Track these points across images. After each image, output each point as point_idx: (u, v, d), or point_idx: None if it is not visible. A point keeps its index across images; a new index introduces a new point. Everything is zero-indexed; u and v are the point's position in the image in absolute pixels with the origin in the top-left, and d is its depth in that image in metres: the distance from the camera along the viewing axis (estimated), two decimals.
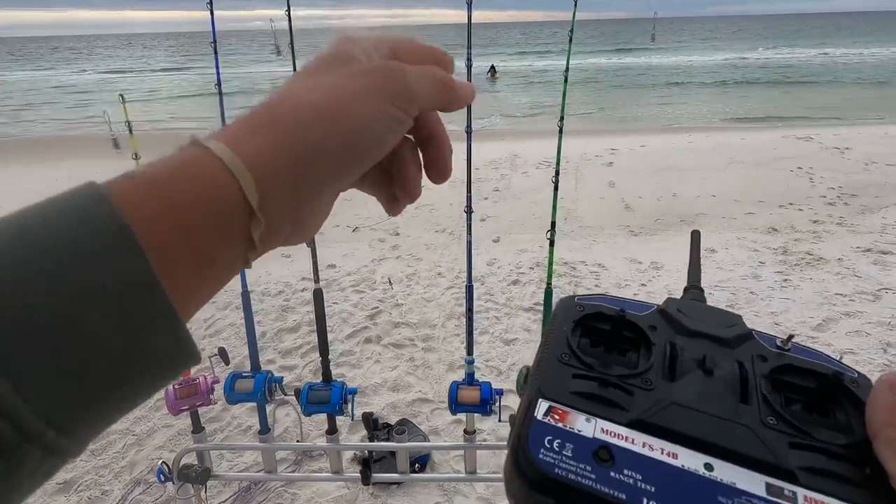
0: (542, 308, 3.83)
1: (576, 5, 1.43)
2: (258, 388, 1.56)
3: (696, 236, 0.48)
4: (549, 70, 24.32)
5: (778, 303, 3.77)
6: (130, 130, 1.54)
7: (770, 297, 3.86)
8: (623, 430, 0.26)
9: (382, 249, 4.99)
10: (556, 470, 0.24)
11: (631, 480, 0.24)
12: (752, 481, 0.24)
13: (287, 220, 0.29)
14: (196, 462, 1.72)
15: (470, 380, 1.50)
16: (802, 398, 0.28)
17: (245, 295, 1.63)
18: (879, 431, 0.24)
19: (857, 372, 0.30)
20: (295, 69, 1.64)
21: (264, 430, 1.75)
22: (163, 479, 1.62)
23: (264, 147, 0.27)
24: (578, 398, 0.27)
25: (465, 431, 1.59)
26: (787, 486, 0.23)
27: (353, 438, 2.65)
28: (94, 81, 25.43)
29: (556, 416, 0.26)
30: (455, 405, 1.45)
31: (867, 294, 3.82)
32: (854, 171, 6.79)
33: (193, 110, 15.97)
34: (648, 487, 0.23)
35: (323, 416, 1.65)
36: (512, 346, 3.39)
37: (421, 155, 0.37)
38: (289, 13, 1.45)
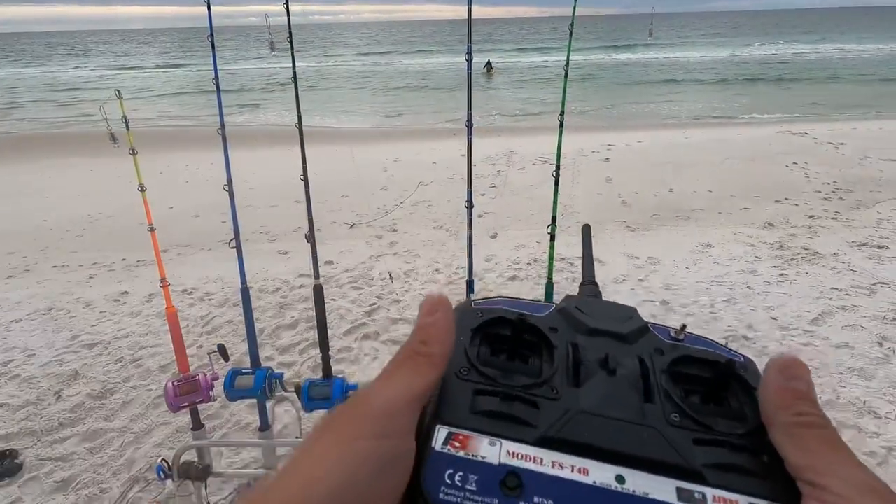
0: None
1: (576, 0, 1.43)
2: (258, 384, 1.56)
3: (586, 231, 0.47)
4: (545, 66, 24.30)
5: (774, 297, 3.79)
6: (127, 126, 1.53)
7: (766, 291, 3.88)
8: (531, 451, 0.24)
9: (380, 246, 4.98)
10: None
11: None
12: (663, 488, 0.23)
13: None
14: (196, 459, 1.72)
15: None
16: (699, 388, 0.28)
17: (244, 291, 1.63)
18: (773, 416, 0.24)
19: (743, 356, 0.30)
20: (294, 63, 1.64)
21: (264, 426, 1.75)
22: (162, 476, 1.61)
23: None
24: (481, 418, 0.25)
25: None
26: (697, 488, 0.23)
27: None
28: (88, 78, 25.21)
29: (458, 444, 0.24)
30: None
31: (862, 288, 3.85)
32: (849, 166, 6.83)
33: (189, 106, 15.86)
34: None
35: (323, 413, 1.65)
36: None
37: None
38: (287, 8, 1.43)
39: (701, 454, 0.24)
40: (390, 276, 4.29)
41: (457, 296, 3.98)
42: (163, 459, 1.63)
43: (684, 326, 0.31)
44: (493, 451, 0.24)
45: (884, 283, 3.89)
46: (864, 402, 2.72)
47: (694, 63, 23.91)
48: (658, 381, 0.28)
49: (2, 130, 12.37)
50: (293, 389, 1.60)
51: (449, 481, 0.23)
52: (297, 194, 6.62)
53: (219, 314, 3.83)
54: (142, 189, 1.54)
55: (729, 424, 0.26)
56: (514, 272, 4.31)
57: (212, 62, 1.50)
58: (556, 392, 0.26)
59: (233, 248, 1.52)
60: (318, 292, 1.60)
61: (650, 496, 0.23)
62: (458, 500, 0.22)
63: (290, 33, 1.45)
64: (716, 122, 11.22)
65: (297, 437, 2.62)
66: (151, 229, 1.56)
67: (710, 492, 0.23)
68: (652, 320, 0.32)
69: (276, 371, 1.66)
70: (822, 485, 0.21)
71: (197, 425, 1.72)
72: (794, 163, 7.03)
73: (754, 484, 0.23)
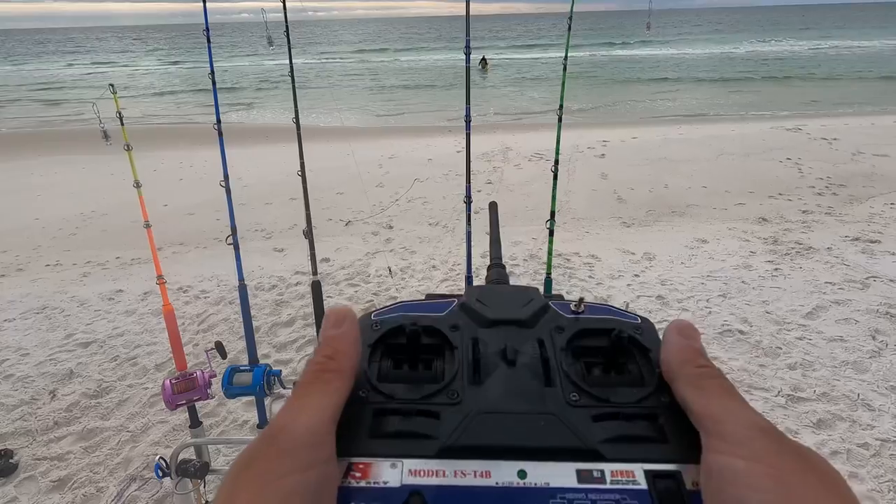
0: None
1: None
2: (257, 381, 1.55)
3: (493, 208, 0.45)
4: (540, 62, 24.29)
5: (769, 292, 3.82)
6: (122, 121, 1.51)
7: (761, 286, 3.91)
8: (433, 465, 0.23)
9: (376, 243, 4.98)
10: None
11: None
12: (563, 474, 0.23)
13: None
14: (194, 457, 1.71)
15: None
16: (600, 360, 0.28)
17: (242, 287, 1.62)
18: (677, 371, 0.25)
19: (639, 317, 0.30)
20: (291, 59, 1.63)
21: (263, 423, 1.74)
22: (160, 474, 1.60)
23: None
24: (381, 443, 0.24)
25: None
26: (595, 467, 0.23)
27: None
28: (80, 75, 24.94)
29: (358, 474, 0.23)
30: None
31: (856, 282, 3.88)
32: (842, 162, 6.87)
33: (183, 104, 15.73)
34: None
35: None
36: None
37: None
38: (284, 3, 1.42)
39: (599, 430, 0.24)
40: (390, 270, 4.29)
41: (453, 292, 3.98)
42: (160, 457, 1.62)
43: (582, 299, 0.31)
44: (394, 473, 0.23)
45: (876, 277, 3.92)
46: (858, 395, 2.75)
47: (690, 59, 23.97)
48: (558, 361, 0.27)
49: None
50: (291, 386, 1.60)
51: None
52: (292, 192, 6.60)
53: (214, 312, 3.81)
54: (137, 185, 1.53)
55: (627, 393, 0.26)
56: (510, 268, 4.32)
57: (207, 58, 1.48)
58: (457, 396, 0.26)
59: (230, 244, 1.51)
60: (317, 288, 1.59)
61: (551, 485, 0.23)
62: None
63: (287, 28, 1.44)
64: (710, 119, 11.26)
65: None
66: (147, 226, 1.55)
67: (608, 467, 0.23)
68: (556, 295, 0.32)
69: (274, 368, 1.66)
70: (721, 430, 0.22)
71: (195, 423, 1.71)
72: (788, 158, 7.08)
73: (649, 450, 0.24)
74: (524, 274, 4.22)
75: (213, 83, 1.53)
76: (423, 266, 4.44)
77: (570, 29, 1.36)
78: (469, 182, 1.35)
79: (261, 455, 0.22)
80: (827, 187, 6.03)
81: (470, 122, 1.30)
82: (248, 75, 21.60)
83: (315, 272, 1.57)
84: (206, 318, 3.75)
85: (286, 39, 1.40)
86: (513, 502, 0.22)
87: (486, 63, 22.30)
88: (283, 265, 4.53)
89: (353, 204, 5.93)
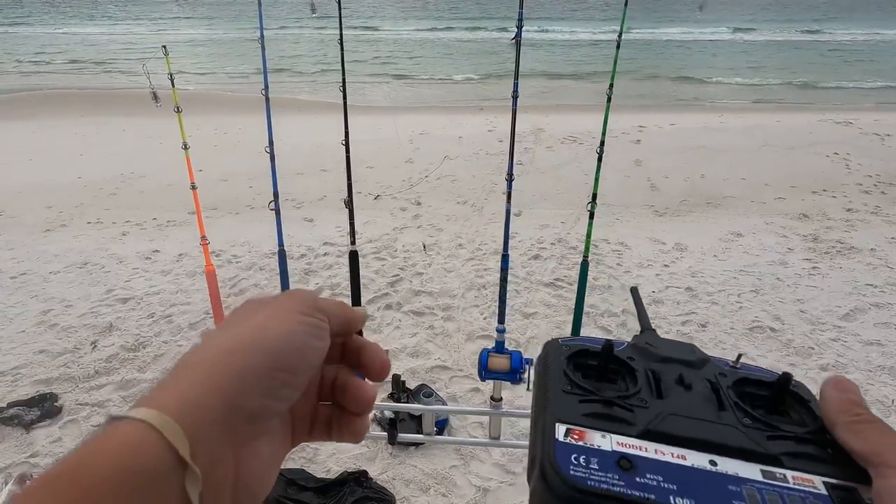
0: (561, 284, 3.84)
1: None
2: None
3: (635, 292, 0.56)
4: (582, 40, 23.53)
5: (804, 290, 3.71)
6: (173, 84, 1.54)
7: (797, 284, 3.79)
8: (636, 441, 0.29)
9: (404, 218, 5.00)
10: (589, 482, 0.27)
11: (655, 482, 0.27)
12: (750, 470, 0.28)
13: (227, 468, 0.26)
14: None
15: (500, 348, 1.52)
16: (762, 403, 0.34)
17: (281, 253, 1.65)
18: (836, 420, 0.30)
19: (795, 380, 0.35)
20: (341, 23, 1.62)
21: None
22: None
23: (188, 390, 0.26)
24: (590, 418, 0.31)
25: (492, 398, 1.62)
26: (777, 470, 0.28)
27: (376, 400, 2.71)
28: (132, 35, 25.36)
29: (576, 436, 0.29)
30: (485, 371, 1.47)
31: None
32: (894, 159, 6.53)
33: (224, 69, 15.87)
34: (671, 486, 0.27)
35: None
36: (531, 320, 3.41)
37: (359, 369, 0.38)
38: None
39: (775, 446, 0.29)
40: (424, 246, 4.32)
41: (478, 271, 3.98)
42: None
43: (740, 356, 0.37)
44: (605, 441, 0.29)
45: None
46: (893, 401, 2.67)
47: (745, 43, 22.79)
48: (727, 394, 0.33)
49: (38, 85, 12.62)
50: None
51: (576, 462, 0.28)
52: (324, 163, 6.63)
53: (245, 277, 3.92)
54: (185, 147, 1.56)
55: (792, 427, 0.31)
56: (536, 251, 4.29)
57: (258, 22, 1.49)
58: (646, 402, 0.32)
59: (272, 210, 1.54)
60: (354, 258, 1.61)
61: (739, 475, 0.28)
62: (586, 475, 0.27)
63: None
64: (754, 108, 10.79)
65: None
66: (193, 188, 1.59)
67: (789, 473, 0.28)
68: (709, 353, 0.38)
69: None
70: (885, 459, 0.26)
71: None
72: (836, 153, 6.75)
73: (826, 467, 0.28)
74: (551, 258, 4.19)
75: (263, 48, 1.54)
76: (449, 244, 4.45)
77: (626, 4, 1.31)
78: (512, 158, 1.33)
79: (280, 298, 0.32)
80: (875, 185, 5.75)
81: (517, 97, 1.28)
82: (301, 40, 21.59)
83: (353, 241, 1.59)
84: (238, 282, 3.86)
85: (337, 5, 1.40)
86: (707, 482, 0.27)
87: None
88: (313, 235, 4.60)
89: (382, 178, 5.95)
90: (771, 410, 0.33)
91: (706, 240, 4.53)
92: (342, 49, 1.47)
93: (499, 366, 1.46)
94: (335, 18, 1.66)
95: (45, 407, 2.65)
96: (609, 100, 1.33)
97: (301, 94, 11.88)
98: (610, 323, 3.38)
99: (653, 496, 0.26)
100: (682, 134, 7.79)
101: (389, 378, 2.43)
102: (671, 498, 0.26)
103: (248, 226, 4.74)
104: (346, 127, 1.52)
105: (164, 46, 1.51)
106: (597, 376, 0.35)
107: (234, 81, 13.68)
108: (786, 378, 0.34)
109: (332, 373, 0.37)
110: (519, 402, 2.68)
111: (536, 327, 3.34)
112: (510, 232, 4.52)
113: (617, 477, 0.27)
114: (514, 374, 1.45)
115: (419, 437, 1.69)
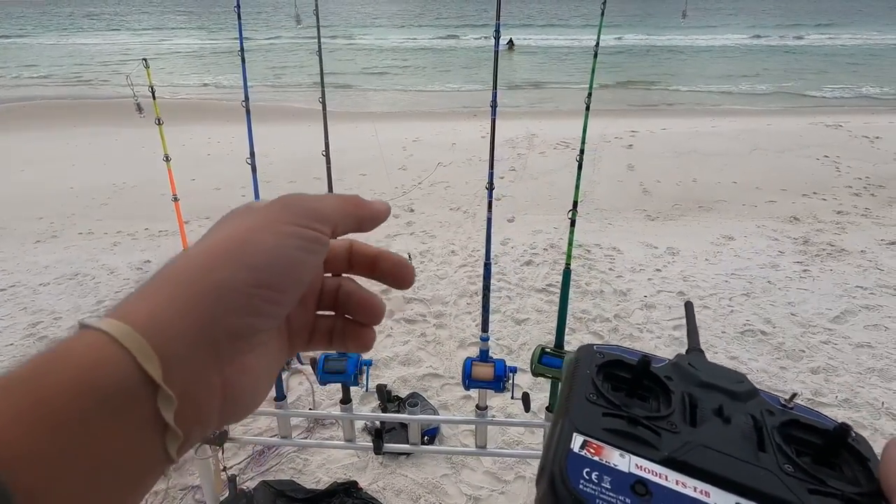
0: (554, 290, 3.84)
1: None
2: None
3: (689, 307, 0.52)
4: (569, 46, 23.71)
5: (795, 293, 3.72)
6: (154, 95, 1.54)
7: (787, 287, 3.81)
8: (657, 468, 0.27)
9: (397, 225, 5.00)
10: (597, 501, 0.25)
11: None
12: None
13: (210, 388, 0.25)
14: None
15: (484, 356, 1.51)
16: (810, 451, 0.30)
17: None
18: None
19: (855, 432, 0.32)
20: (319, 34, 1.63)
21: (280, 396, 1.79)
22: None
23: (160, 306, 0.24)
24: (611, 434, 0.28)
25: (478, 407, 1.61)
26: None
27: (364, 410, 2.70)
28: (113, 46, 25.42)
29: (592, 450, 0.27)
30: (469, 380, 1.47)
31: (889, 288, 3.74)
32: (883, 162, 6.58)
33: (212, 78, 15.91)
34: None
35: (335, 387, 1.68)
36: (523, 326, 3.41)
37: (377, 279, 0.36)
38: None
39: (816, 501, 0.26)
40: (409, 256, 4.31)
41: (471, 278, 3.99)
42: None
43: (794, 395, 0.34)
44: (623, 461, 0.27)
45: None
46: (883, 404, 2.67)
47: (728, 48, 23.05)
48: (771, 435, 0.30)
49: (30, 96, 12.61)
50: (308, 362, 1.63)
51: (586, 477, 0.26)
52: (316, 171, 6.64)
53: None
54: (167, 159, 1.56)
55: (842, 484, 0.27)
56: (529, 257, 4.30)
57: (238, 34, 1.49)
58: (676, 427, 0.30)
59: None
60: None
61: None
62: (595, 493, 0.25)
63: (317, 5, 1.43)
64: (744, 111, 10.88)
65: (310, 409, 2.69)
66: (175, 199, 1.58)
67: None
68: (760, 386, 0.35)
69: None
70: None
71: None
72: (826, 156, 6.81)
73: None
74: (543, 263, 4.19)
75: (243, 60, 1.54)
76: (442, 251, 4.45)
77: (602, 14, 1.32)
78: (492, 168, 1.34)
79: (274, 206, 0.29)
80: (865, 188, 5.79)
81: (496, 107, 1.28)
82: (281, 52, 21.68)
83: None
84: None
85: (315, 17, 1.41)
86: None
87: (512, 45, 21.90)
88: None
89: (375, 185, 5.95)
90: (819, 461, 0.30)
91: (698, 244, 4.54)
92: (321, 60, 1.48)
93: (483, 375, 1.45)
94: (324, 27, 1.67)
95: None
96: (588, 108, 1.34)
97: (295, 102, 11.91)
98: (602, 328, 3.38)
99: None
100: (674, 138, 7.84)
101: (374, 388, 2.42)
102: None
103: None
104: (326, 137, 1.52)
105: (145, 59, 1.52)
106: (628, 391, 0.33)
107: (228, 91, 13.71)
108: (844, 429, 0.30)
109: (335, 283, 0.34)
110: (509, 410, 2.67)
111: (528, 333, 3.34)
112: (503, 238, 4.53)
113: (629, 501, 0.25)
114: (497, 383, 1.45)
115: (405, 446, 1.68)
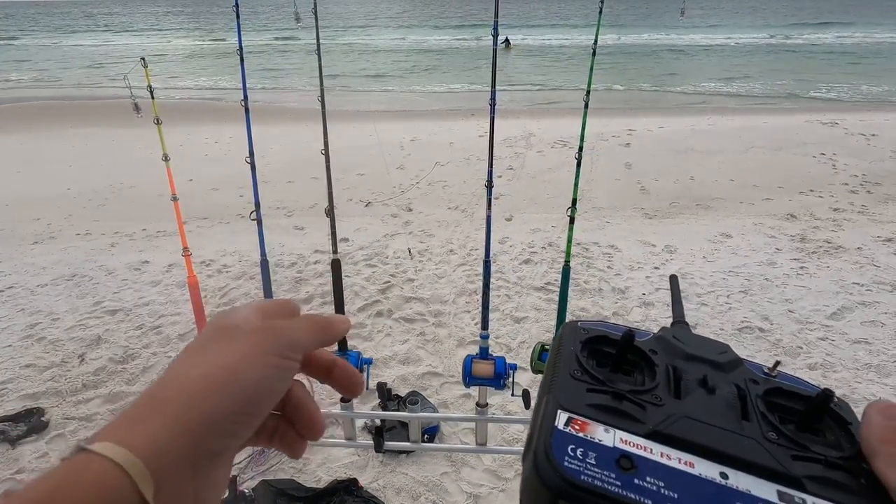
0: (552, 288, 3.85)
1: None
2: None
3: (674, 280, 0.52)
4: (566, 45, 23.72)
5: (793, 290, 3.73)
6: (152, 95, 1.54)
7: (785, 284, 3.82)
8: (641, 441, 0.27)
9: (395, 225, 5.00)
10: (582, 477, 0.25)
11: (654, 487, 0.25)
12: (764, 489, 0.25)
13: (187, 500, 0.28)
14: None
15: (484, 354, 1.52)
16: (793, 418, 0.30)
17: (264, 263, 1.65)
18: (877, 449, 0.26)
19: (837, 398, 0.32)
20: (318, 33, 1.63)
21: None
22: None
23: (157, 431, 0.27)
24: (595, 410, 0.29)
25: (478, 404, 1.62)
26: (797, 494, 0.25)
27: (364, 408, 2.70)
28: (113, 46, 25.33)
29: (577, 427, 0.28)
30: (469, 378, 1.47)
31: (885, 284, 3.76)
32: (879, 159, 6.61)
33: (211, 78, 15.87)
34: (672, 494, 0.24)
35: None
36: (522, 325, 3.41)
37: (329, 384, 0.40)
38: None
39: (800, 467, 0.26)
40: (409, 252, 4.31)
41: (469, 277, 3.99)
42: None
43: (778, 363, 0.34)
44: (607, 436, 0.27)
45: None
46: (880, 399, 2.68)
47: (727, 48, 23.09)
48: (755, 404, 0.30)
49: (26, 97, 12.56)
50: None
51: (571, 454, 0.26)
52: (314, 171, 6.64)
53: (235, 286, 3.90)
54: (165, 159, 1.56)
55: (824, 449, 0.28)
56: (528, 255, 4.30)
57: (237, 34, 1.50)
58: (661, 400, 0.30)
59: (253, 219, 1.54)
60: (336, 266, 1.62)
61: (752, 493, 0.25)
62: (581, 469, 0.25)
63: (315, 4, 1.44)
64: (741, 109, 10.90)
65: None
66: (174, 199, 1.59)
67: (809, 498, 0.25)
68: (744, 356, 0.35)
69: None
70: None
71: None
72: (822, 153, 6.83)
73: (851, 499, 0.25)
74: (542, 262, 4.20)
75: (242, 60, 1.54)
76: (440, 250, 4.45)
77: (601, 12, 1.33)
78: (491, 166, 1.34)
79: (261, 334, 0.33)
80: (861, 185, 5.82)
81: (495, 105, 1.29)
82: (284, 51, 21.63)
83: (335, 250, 1.59)
84: (228, 291, 3.84)
85: (314, 16, 1.41)
86: (713, 495, 0.25)
87: (508, 44, 21.91)
88: (303, 243, 4.59)
89: (373, 185, 5.95)
90: (802, 428, 0.30)
91: (695, 241, 4.56)
92: (319, 59, 1.48)
93: (483, 372, 1.46)
94: (324, 28, 1.67)
95: (31, 422, 2.62)
96: (586, 105, 1.34)
97: (293, 103, 11.89)
98: None
99: (649, 501, 0.24)
100: (672, 136, 7.86)
101: (374, 387, 2.42)
102: None
103: (239, 236, 4.72)
104: (326, 136, 1.53)
105: (143, 59, 1.51)
106: (612, 366, 0.33)
107: (225, 91, 13.68)
108: (826, 395, 0.30)
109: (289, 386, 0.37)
110: (509, 408, 2.68)
111: (527, 332, 3.34)
112: (502, 237, 4.53)
113: (614, 476, 0.25)
114: (498, 380, 1.45)
115: (406, 444, 1.69)
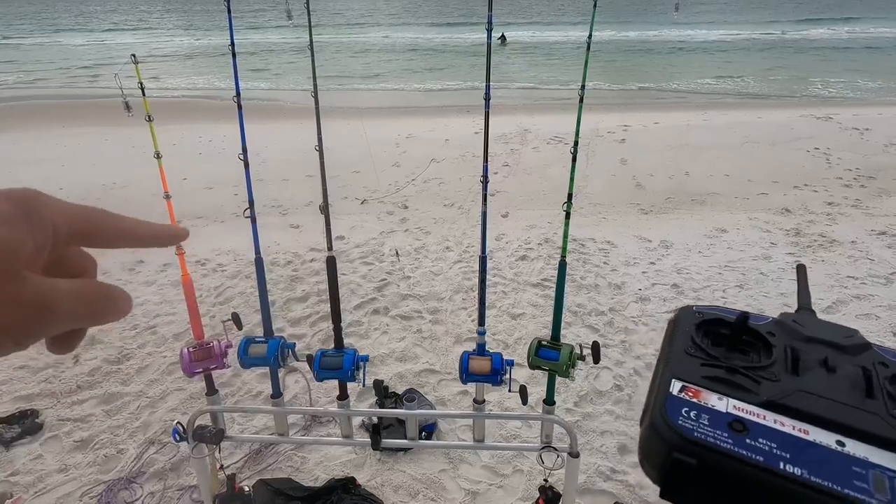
0: (548, 284, 3.84)
1: None
2: (271, 352, 1.58)
3: (801, 270, 0.54)
4: (562, 41, 23.69)
5: (788, 284, 3.75)
6: (143, 92, 1.52)
7: (780, 278, 3.84)
8: (755, 409, 0.28)
9: (391, 222, 4.98)
10: (696, 433, 0.26)
11: (766, 447, 0.26)
12: (885, 458, 0.25)
13: None
14: (210, 423, 1.76)
15: (481, 350, 1.52)
16: None
17: (258, 261, 1.64)
18: None
19: None
20: (311, 29, 1.62)
21: (276, 394, 1.78)
22: (178, 438, 1.66)
23: None
24: (709, 381, 0.30)
25: (475, 401, 1.61)
26: None
27: (361, 406, 2.70)
28: (101, 44, 25.12)
29: (690, 394, 0.29)
30: (466, 374, 1.47)
31: (879, 277, 3.79)
32: (873, 153, 6.64)
33: (203, 76, 15.77)
34: (784, 454, 0.25)
35: (332, 384, 1.67)
36: (519, 321, 3.41)
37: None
38: None
39: None
40: (397, 253, 4.30)
41: (465, 273, 3.99)
42: (178, 422, 1.67)
43: None
44: (721, 403, 0.29)
45: None
46: None
47: (720, 42, 23.11)
48: (882, 384, 0.30)
49: (18, 96, 12.44)
50: (305, 359, 1.63)
51: (685, 415, 0.28)
52: (309, 168, 6.61)
53: (231, 285, 3.88)
54: (158, 156, 1.55)
55: None
56: (524, 252, 4.30)
57: (228, 30, 1.48)
58: (776, 376, 0.31)
59: (247, 217, 1.53)
60: (332, 264, 1.61)
61: (870, 460, 0.25)
62: (693, 427, 0.27)
63: (308, 1, 1.42)
64: (736, 105, 10.93)
65: (307, 406, 2.68)
66: (167, 197, 1.57)
67: None
68: (877, 343, 0.35)
69: (288, 341, 1.69)
70: None
71: (211, 391, 1.76)
72: (816, 148, 6.86)
73: None
74: (538, 258, 4.20)
75: (234, 56, 1.53)
76: (436, 247, 4.44)
77: (595, 6, 1.32)
78: (486, 162, 1.34)
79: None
80: (855, 179, 5.84)
81: (489, 99, 1.28)
82: (276, 47, 21.51)
83: (330, 247, 1.58)
84: (223, 290, 3.82)
85: (306, 11, 1.39)
86: (827, 458, 0.25)
87: (504, 40, 21.86)
88: (298, 241, 4.57)
89: (368, 183, 5.93)
90: None
91: (691, 236, 4.57)
92: (312, 56, 1.47)
93: (479, 368, 1.45)
94: (317, 25, 1.66)
95: (25, 423, 2.60)
96: (581, 100, 1.34)
97: (286, 100, 11.83)
98: (597, 322, 3.39)
99: (760, 458, 0.25)
100: (667, 132, 7.87)
101: (371, 384, 2.42)
102: (781, 464, 0.25)
103: (234, 234, 4.70)
104: (319, 132, 1.52)
105: (133, 55, 1.50)
106: (728, 346, 0.34)
107: (218, 90, 13.60)
108: None
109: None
110: (507, 404, 2.68)
111: (524, 328, 3.34)
112: (498, 233, 4.53)
113: (726, 435, 0.26)
114: (495, 376, 1.45)
115: (403, 441, 1.68)
